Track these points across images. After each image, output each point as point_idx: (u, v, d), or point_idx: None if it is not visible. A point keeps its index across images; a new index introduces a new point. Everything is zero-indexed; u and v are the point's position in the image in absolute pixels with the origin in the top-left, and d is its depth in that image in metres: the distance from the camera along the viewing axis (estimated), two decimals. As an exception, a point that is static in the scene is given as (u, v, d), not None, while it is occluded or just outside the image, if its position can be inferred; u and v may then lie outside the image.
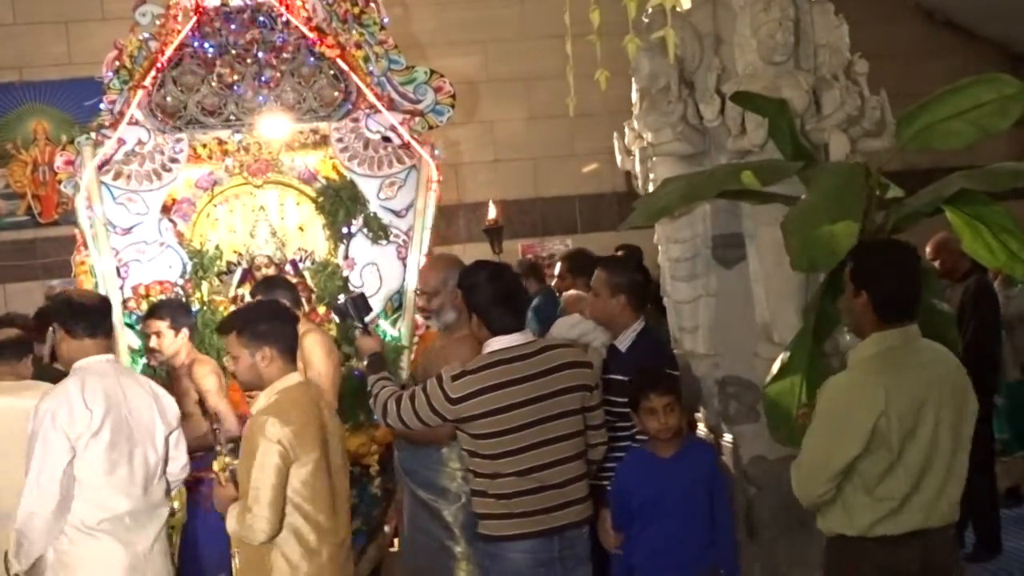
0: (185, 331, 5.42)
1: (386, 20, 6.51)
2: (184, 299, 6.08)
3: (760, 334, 4.75)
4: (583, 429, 3.83)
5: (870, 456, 3.43)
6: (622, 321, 4.67)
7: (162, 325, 5.38)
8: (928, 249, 6.79)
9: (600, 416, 3.95)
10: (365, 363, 4.27)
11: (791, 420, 4.22)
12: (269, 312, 4.02)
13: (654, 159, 5.04)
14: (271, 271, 6.36)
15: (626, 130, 5.30)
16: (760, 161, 4.53)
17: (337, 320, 5.89)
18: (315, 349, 5.41)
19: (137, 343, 6.05)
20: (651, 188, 5.06)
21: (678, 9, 4.39)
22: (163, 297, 5.99)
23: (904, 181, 4.59)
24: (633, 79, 5.14)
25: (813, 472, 3.51)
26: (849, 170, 4.23)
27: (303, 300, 5.92)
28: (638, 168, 5.20)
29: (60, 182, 6.31)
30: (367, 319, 4.56)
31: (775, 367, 4.31)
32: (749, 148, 4.65)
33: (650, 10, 4.53)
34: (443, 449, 4.47)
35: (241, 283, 6.42)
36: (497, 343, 3.77)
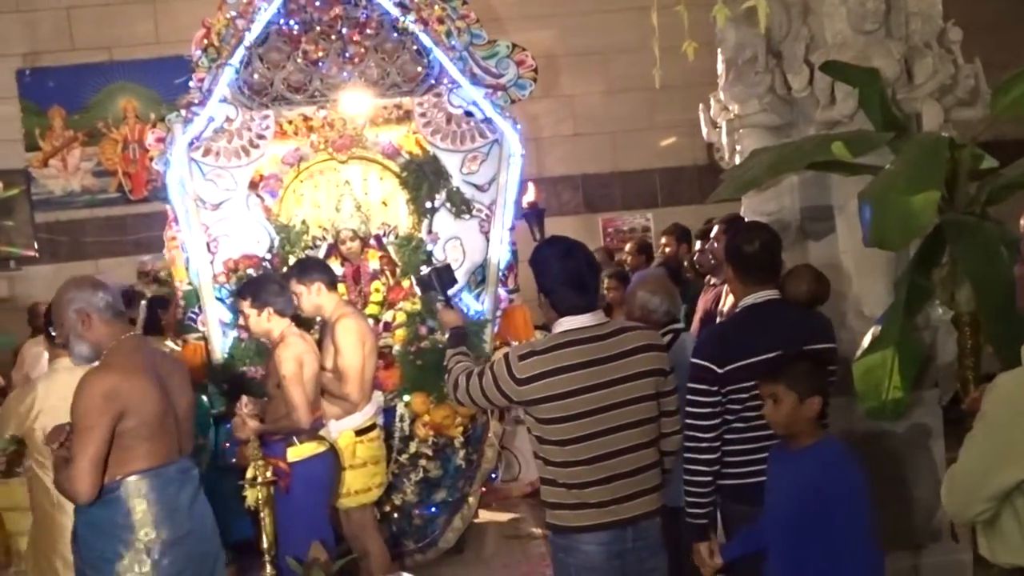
0: (269, 310, 5.25)
1: (467, -6, 6.53)
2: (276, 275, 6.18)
3: (850, 308, 4.69)
4: (657, 416, 3.60)
5: None
6: None
7: (244, 304, 5.37)
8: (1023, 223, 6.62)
9: (675, 402, 3.70)
10: (446, 336, 4.17)
11: (881, 394, 4.18)
12: None
13: (741, 131, 4.99)
14: (355, 245, 6.44)
15: (711, 102, 5.25)
16: (850, 132, 4.46)
17: (420, 292, 5.88)
18: (345, 336, 5.39)
19: (228, 316, 6.18)
20: (737, 160, 5.02)
21: (766, -22, 4.33)
22: (252, 274, 6.06)
23: (999, 152, 4.48)
24: (719, 50, 5.09)
25: (968, 487, 2.85)
26: (933, 141, 4.13)
27: (337, 282, 5.89)
28: (724, 140, 5.15)
29: (151, 159, 6.43)
30: (451, 291, 4.46)
31: (865, 341, 4.26)
32: (838, 119, 4.59)
33: (738, -20, 4.48)
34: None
35: (327, 257, 6.50)
36: (566, 323, 3.56)
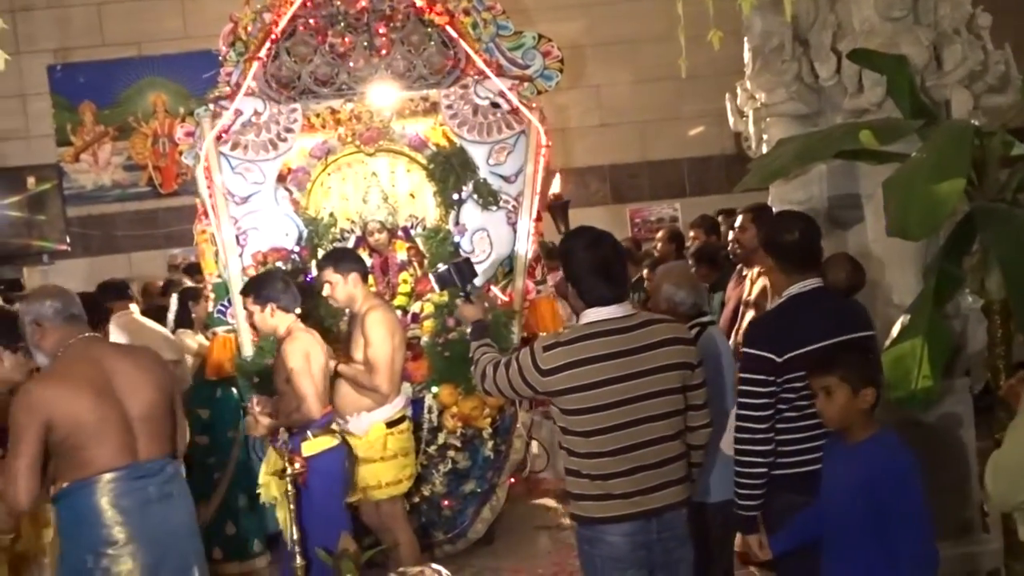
0: (272, 306, 5.23)
1: (493, -15, 6.52)
2: (301, 266, 6.22)
3: (879, 296, 4.67)
4: (683, 409, 3.58)
5: None
6: None
7: (247, 302, 5.38)
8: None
9: (703, 396, 3.67)
10: (469, 330, 4.10)
11: (910, 383, 4.15)
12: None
13: (768, 120, 4.97)
14: (383, 236, 6.45)
15: (738, 91, 5.23)
16: (878, 120, 4.44)
17: (438, 289, 5.85)
18: (375, 328, 5.40)
19: (258, 311, 6.22)
20: (765, 149, 5.00)
21: (793, -34, 4.31)
22: (281, 267, 6.11)
23: (1030, 138, 4.44)
24: (745, 39, 5.07)
25: (1014, 474, 2.90)
26: (959, 129, 4.09)
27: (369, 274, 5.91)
28: (751, 129, 5.13)
29: (180, 153, 6.48)
30: (472, 286, 4.40)
31: (895, 329, 4.24)
32: (866, 107, 4.56)
33: (764, -32, 4.46)
34: None
35: (355, 249, 6.52)
36: (593, 314, 3.55)
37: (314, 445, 5.09)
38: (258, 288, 5.33)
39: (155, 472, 3.75)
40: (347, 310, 5.79)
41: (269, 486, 5.27)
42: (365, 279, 5.59)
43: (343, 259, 5.56)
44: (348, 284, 5.46)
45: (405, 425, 5.62)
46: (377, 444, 5.45)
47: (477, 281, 6.25)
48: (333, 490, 5.17)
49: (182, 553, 3.82)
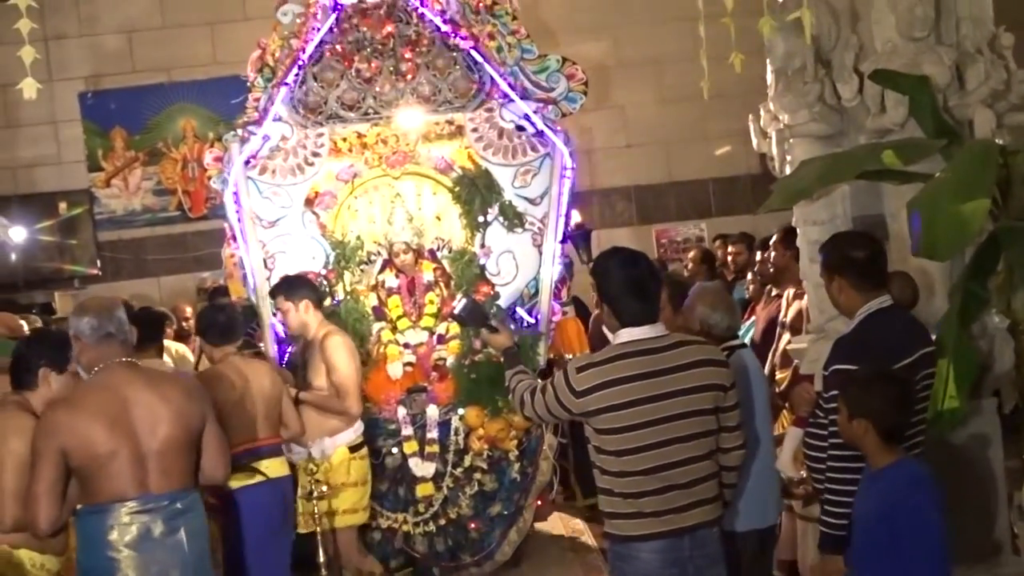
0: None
1: (517, 9, 6.57)
2: (328, 288, 6.29)
3: (904, 316, 4.64)
4: (715, 429, 3.58)
5: None
6: None
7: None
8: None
9: (736, 417, 3.67)
10: (502, 360, 4.11)
11: (936, 404, 4.13)
12: None
13: (791, 140, 4.98)
14: (409, 257, 6.49)
15: (761, 112, 5.24)
16: (901, 140, 4.44)
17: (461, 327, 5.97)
18: (338, 352, 5.46)
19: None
20: (788, 170, 5.00)
21: (814, -13, 4.33)
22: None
23: (1054, 157, 4.42)
24: (767, 60, 5.08)
25: None
26: (983, 148, 4.09)
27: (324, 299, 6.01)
28: (775, 150, 5.14)
29: (209, 178, 6.57)
30: (498, 308, 4.40)
31: (921, 350, 4.21)
32: (889, 127, 4.56)
33: (785, -11, 4.48)
34: None
35: (381, 271, 6.58)
36: (626, 335, 3.56)
37: (239, 479, 4.87)
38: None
39: (163, 506, 3.71)
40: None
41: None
42: (319, 305, 5.65)
43: (294, 286, 5.61)
44: (300, 311, 5.53)
45: (365, 451, 5.66)
46: (341, 469, 5.47)
47: (502, 302, 6.35)
48: (257, 531, 4.94)
49: None
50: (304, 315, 5.54)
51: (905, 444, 3.67)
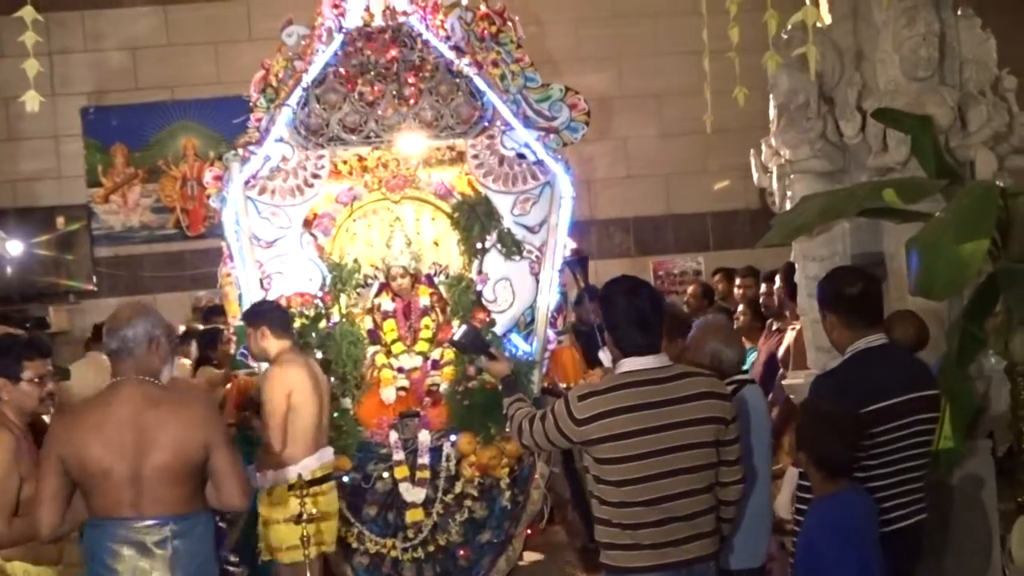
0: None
1: (522, 38, 6.59)
2: (324, 311, 6.26)
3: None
4: (715, 462, 3.58)
5: None
6: None
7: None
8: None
9: (736, 452, 3.66)
10: (500, 387, 4.09)
11: (933, 443, 4.12)
12: None
13: (792, 176, 4.99)
14: (406, 281, 6.47)
15: (763, 147, 5.26)
16: (902, 179, 4.45)
17: (458, 353, 5.86)
18: (266, 384, 5.30)
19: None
20: (788, 206, 5.01)
21: (819, 25, 4.35)
22: (304, 312, 6.16)
23: (1055, 200, 4.43)
24: (771, 95, 5.10)
25: None
26: (984, 189, 4.10)
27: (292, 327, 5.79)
28: (775, 185, 5.15)
29: (208, 197, 6.55)
30: (494, 336, 4.37)
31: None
32: (891, 165, 4.58)
33: (790, 27, 4.49)
34: None
35: (377, 295, 6.57)
36: (629, 364, 3.58)
37: None
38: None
39: (155, 528, 3.62)
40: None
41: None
42: (282, 332, 5.44)
43: (252, 313, 5.54)
44: (257, 337, 5.42)
45: (327, 486, 5.35)
46: (279, 505, 5.20)
47: (498, 330, 6.33)
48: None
49: None
50: (262, 341, 5.40)
51: (889, 482, 3.75)
